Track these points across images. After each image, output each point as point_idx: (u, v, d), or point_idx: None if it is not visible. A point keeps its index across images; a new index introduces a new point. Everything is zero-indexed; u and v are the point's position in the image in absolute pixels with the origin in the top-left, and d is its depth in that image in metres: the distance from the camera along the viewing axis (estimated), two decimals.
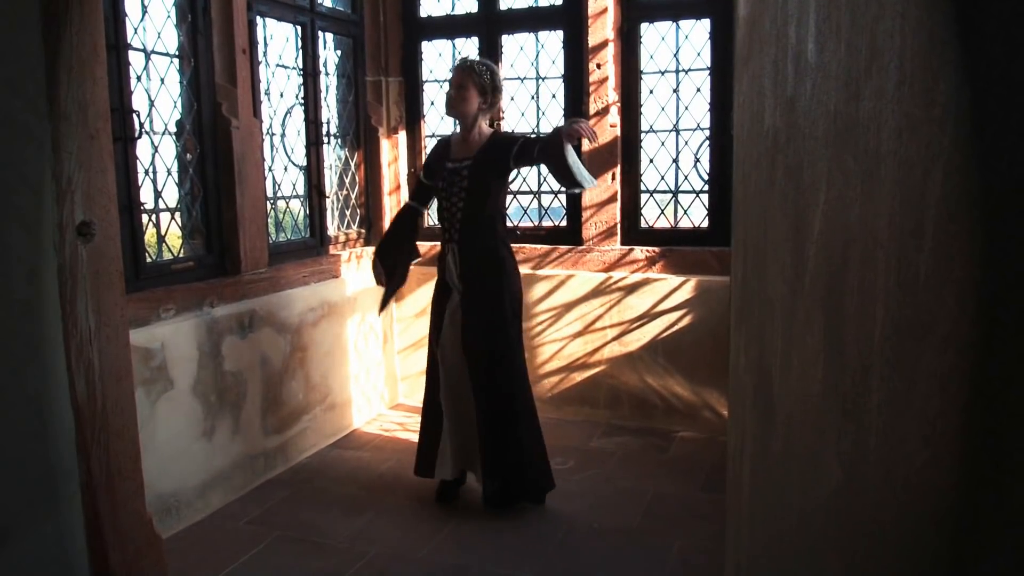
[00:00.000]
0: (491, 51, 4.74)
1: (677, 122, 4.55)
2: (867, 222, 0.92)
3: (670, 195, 4.63)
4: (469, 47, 4.94)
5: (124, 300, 2.60)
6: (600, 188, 4.61)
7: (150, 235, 3.52)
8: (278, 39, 4.25)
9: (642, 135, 4.63)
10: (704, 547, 3.16)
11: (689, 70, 4.49)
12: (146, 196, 3.45)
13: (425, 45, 5.06)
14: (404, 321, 5.07)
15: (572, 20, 4.62)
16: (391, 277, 3.70)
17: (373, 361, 4.86)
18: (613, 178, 4.60)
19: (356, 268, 4.74)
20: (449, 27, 4.97)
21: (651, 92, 4.60)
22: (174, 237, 3.70)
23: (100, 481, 2.48)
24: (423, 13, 5.03)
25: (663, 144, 4.59)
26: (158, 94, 3.50)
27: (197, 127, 3.67)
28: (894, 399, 0.85)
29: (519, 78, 4.82)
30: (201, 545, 3.27)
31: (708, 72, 4.44)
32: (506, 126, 4.85)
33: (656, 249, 4.54)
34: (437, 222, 3.79)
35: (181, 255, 3.69)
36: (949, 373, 0.72)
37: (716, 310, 4.31)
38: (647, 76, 4.60)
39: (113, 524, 2.52)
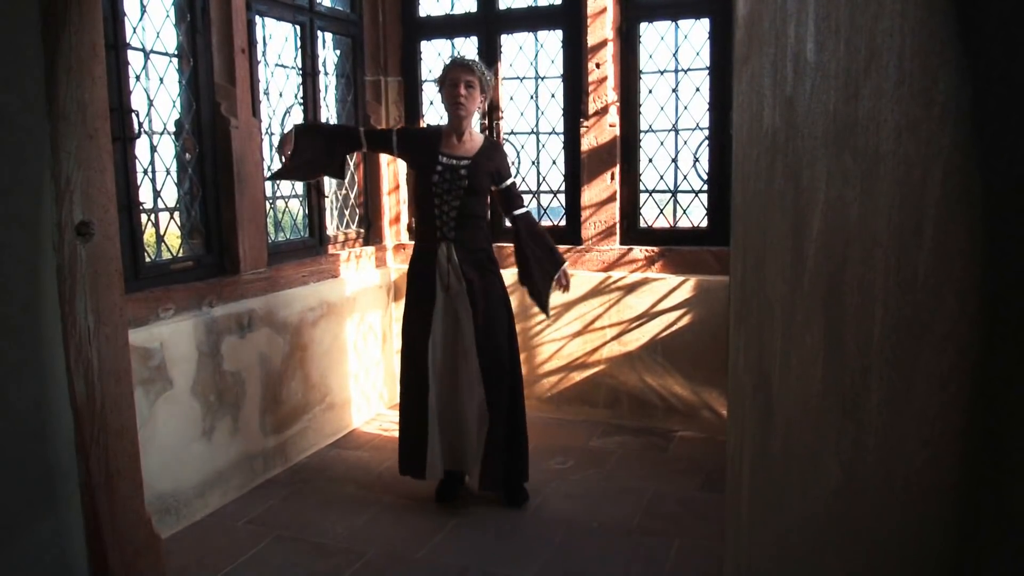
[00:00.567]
0: (490, 51, 4.74)
1: (676, 122, 4.55)
2: (866, 222, 0.92)
3: (669, 195, 4.63)
4: (468, 47, 4.94)
5: (123, 300, 2.60)
6: (599, 187, 4.61)
7: (149, 235, 3.52)
8: (277, 39, 4.25)
9: (641, 135, 4.63)
10: (703, 547, 3.16)
11: (688, 70, 4.49)
12: (145, 196, 3.45)
13: (424, 45, 5.06)
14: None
15: (571, 20, 4.62)
16: (302, 160, 3.49)
17: (372, 361, 4.86)
18: (612, 178, 4.60)
19: (355, 268, 4.74)
20: (448, 27, 4.97)
21: (650, 92, 4.60)
22: (173, 237, 3.70)
23: (99, 481, 2.48)
24: (422, 13, 5.03)
25: (662, 144, 4.59)
26: (157, 94, 3.50)
27: (196, 127, 3.67)
28: (893, 399, 0.85)
29: (518, 78, 4.82)
30: (200, 545, 3.27)
31: (707, 72, 4.44)
32: (505, 126, 4.85)
33: (655, 249, 4.54)
34: (413, 217, 3.71)
35: (180, 255, 3.69)
36: (949, 373, 0.72)
37: (715, 310, 4.32)
38: (646, 76, 4.60)
39: (112, 524, 2.52)
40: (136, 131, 3.30)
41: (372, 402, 4.87)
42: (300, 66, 4.37)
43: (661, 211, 4.68)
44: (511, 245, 3.72)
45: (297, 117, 4.37)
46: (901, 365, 0.82)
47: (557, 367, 4.74)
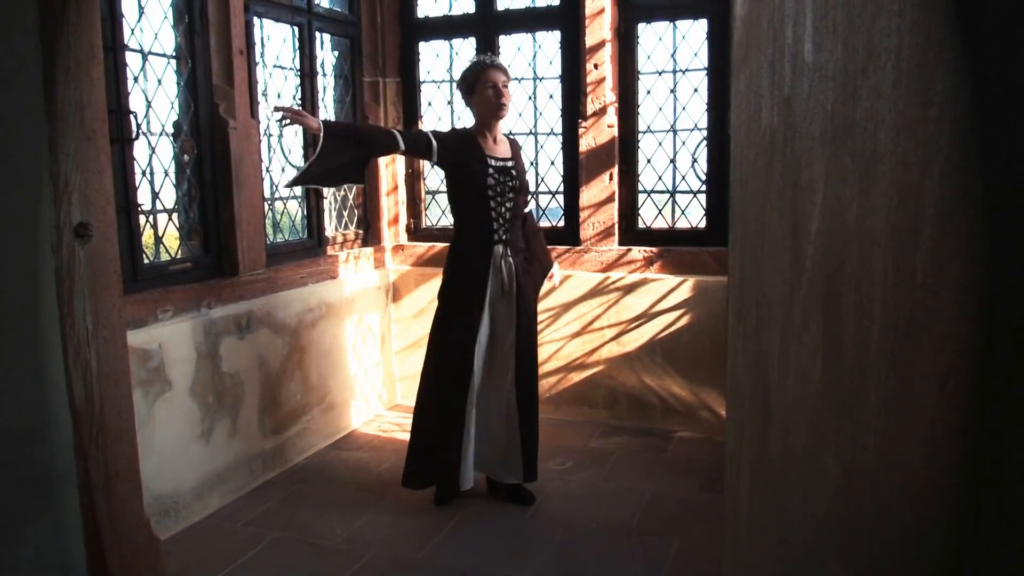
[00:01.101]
0: (488, 52, 4.73)
1: (674, 122, 4.55)
2: (864, 222, 0.92)
3: (667, 195, 4.63)
4: (466, 48, 4.94)
5: (122, 301, 2.60)
6: (598, 188, 4.61)
7: (147, 236, 3.51)
8: (275, 40, 4.25)
9: (639, 135, 4.63)
10: (702, 547, 3.16)
11: (686, 70, 4.49)
12: (143, 197, 3.45)
13: (422, 46, 5.05)
14: (402, 322, 5.07)
15: (569, 20, 4.62)
16: (321, 163, 3.26)
17: (371, 362, 4.86)
18: (611, 178, 4.60)
19: (354, 269, 4.73)
20: (446, 28, 4.97)
21: (648, 92, 4.60)
22: (172, 238, 3.69)
23: (98, 483, 2.48)
24: (420, 14, 5.03)
25: (660, 144, 4.60)
26: (155, 95, 3.50)
27: (194, 128, 3.67)
28: (892, 399, 0.85)
29: (516, 79, 4.81)
30: (199, 547, 3.27)
31: (705, 72, 4.44)
32: (504, 127, 4.83)
33: (654, 249, 4.54)
34: (459, 221, 3.55)
35: (179, 256, 3.69)
36: (947, 372, 0.72)
37: (714, 310, 4.32)
38: (644, 76, 4.60)
39: (111, 526, 2.52)
40: (134, 132, 3.30)
41: (371, 403, 4.87)
42: (298, 67, 4.37)
43: (660, 212, 4.68)
44: None
45: None
46: (900, 365, 0.82)
47: (556, 368, 4.74)
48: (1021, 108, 0.62)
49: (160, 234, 3.56)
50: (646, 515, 3.49)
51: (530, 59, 4.78)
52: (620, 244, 4.64)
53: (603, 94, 4.55)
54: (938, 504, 0.75)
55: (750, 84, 1.69)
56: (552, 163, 4.81)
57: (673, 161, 4.57)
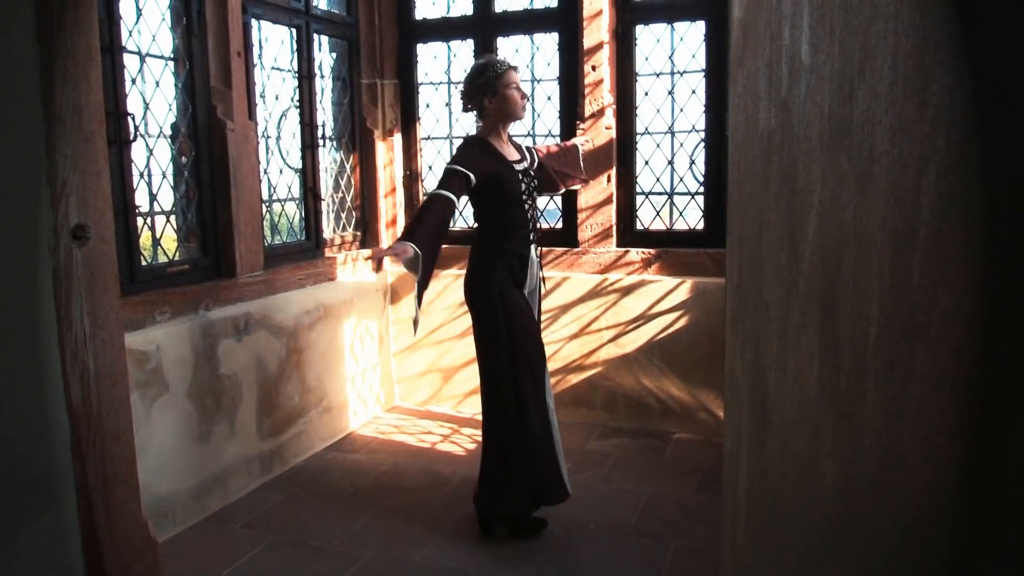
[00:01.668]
0: (486, 54, 4.74)
1: (672, 124, 4.55)
2: (861, 223, 0.92)
3: (665, 197, 4.63)
4: (464, 49, 4.95)
5: (119, 303, 2.60)
6: (596, 190, 4.61)
7: (145, 238, 3.51)
8: (273, 42, 4.25)
9: (637, 137, 4.63)
10: (700, 549, 3.16)
11: (684, 72, 4.50)
12: (141, 199, 3.45)
13: (420, 47, 5.05)
14: (400, 324, 5.07)
15: (567, 22, 4.63)
16: (428, 273, 3.23)
17: (369, 363, 4.86)
18: (609, 180, 4.61)
19: (352, 271, 4.73)
20: (444, 29, 4.97)
21: (646, 94, 4.60)
22: (169, 240, 3.69)
23: (95, 485, 2.47)
24: (418, 15, 5.03)
25: (658, 146, 4.60)
26: (153, 97, 3.49)
27: (192, 130, 3.67)
28: (889, 400, 0.85)
29: None
30: (197, 549, 3.27)
31: (703, 74, 4.44)
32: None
33: (652, 251, 4.55)
34: (492, 228, 3.41)
35: (176, 258, 3.68)
36: (944, 373, 0.73)
37: (712, 312, 4.32)
38: (642, 78, 4.60)
39: (109, 528, 2.52)
40: (132, 134, 3.30)
41: (369, 405, 4.86)
42: (296, 69, 4.37)
43: (658, 213, 4.68)
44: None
45: (293, 120, 4.36)
46: (897, 366, 0.83)
47: (554, 369, 4.73)
48: (1017, 109, 0.62)
49: (158, 236, 3.56)
50: (644, 516, 3.49)
51: (528, 61, 4.78)
52: (618, 246, 4.64)
53: (601, 96, 4.55)
54: (936, 505, 0.75)
55: (747, 86, 1.69)
56: None
57: (671, 162, 4.58)
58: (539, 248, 3.51)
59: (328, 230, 4.71)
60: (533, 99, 4.77)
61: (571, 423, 4.63)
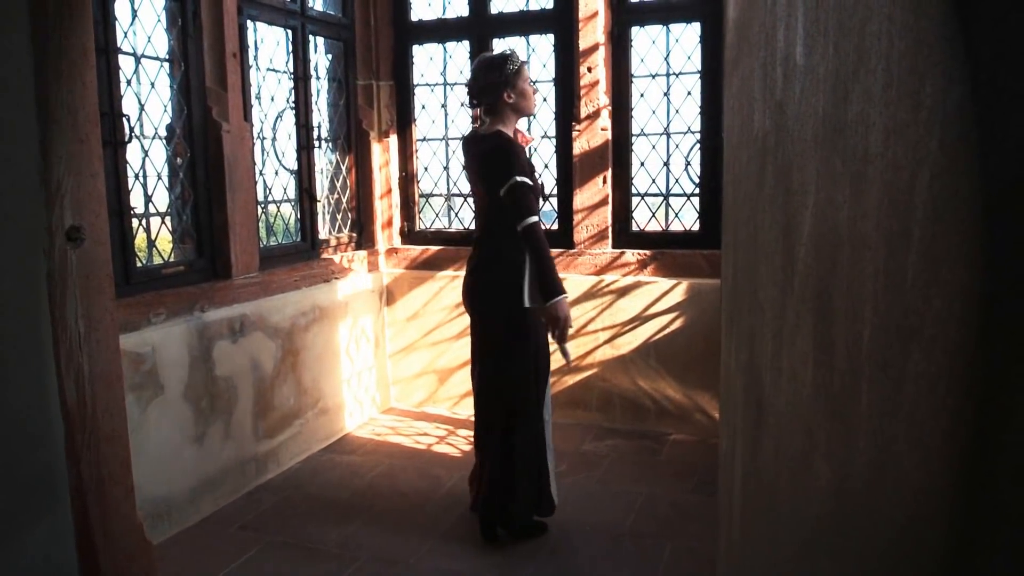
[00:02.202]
0: (482, 53, 4.73)
1: (668, 125, 4.56)
2: (855, 224, 0.92)
3: (661, 198, 4.64)
4: (460, 51, 4.95)
5: (114, 305, 2.59)
6: (592, 191, 4.62)
7: (140, 239, 3.51)
8: (269, 43, 4.25)
9: (633, 138, 4.64)
10: (696, 549, 3.16)
11: (680, 73, 4.50)
12: (136, 200, 3.44)
13: (416, 49, 5.05)
14: (396, 325, 5.06)
15: (563, 24, 4.63)
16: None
17: (365, 365, 4.85)
18: (604, 181, 4.61)
19: (348, 272, 4.73)
20: (440, 31, 4.97)
21: (642, 95, 4.61)
22: (164, 241, 3.68)
23: (90, 486, 2.47)
24: (414, 17, 5.03)
25: (654, 147, 4.60)
26: (148, 98, 3.49)
27: (187, 131, 3.66)
28: (883, 401, 0.85)
29: None
30: (192, 551, 3.26)
31: (698, 75, 4.45)
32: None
33: (647, 252, 4.55)
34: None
35: (171, 259, 3.68)
36: (937, 375, 0.73)
37: (707, 313, 4.32)
38: (638, 79, 4.61)
39: (103, 530, 2.51)
40: (127, 135, 3.29)
41: (365, 407, 4.86)
42: (292, 70, 4.37)
43: (653, 215, 4.69)
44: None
45: (288, 121, 4.36)
46: (891, 367, 0.83)
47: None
48: (1010, 111, 0.62)
49: (153, 237, 3.55)
50: (640, 518, 3.49)
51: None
52: (614, 247, 4.65)
53: (596, 97, 4.56)
54: (930, 506, 0.75)
55: (742, 87, 1.69)
56: (546, 166, 4.81)
57: (667, 164, 4.58)
58: None
59: (324, 231, 4.70)
60: None
61: (567, 424, 4.63)
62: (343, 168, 4.90)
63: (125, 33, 3.35)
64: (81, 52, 2.41)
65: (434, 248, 4.96)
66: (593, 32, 4.52)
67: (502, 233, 3.17)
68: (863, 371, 0.90)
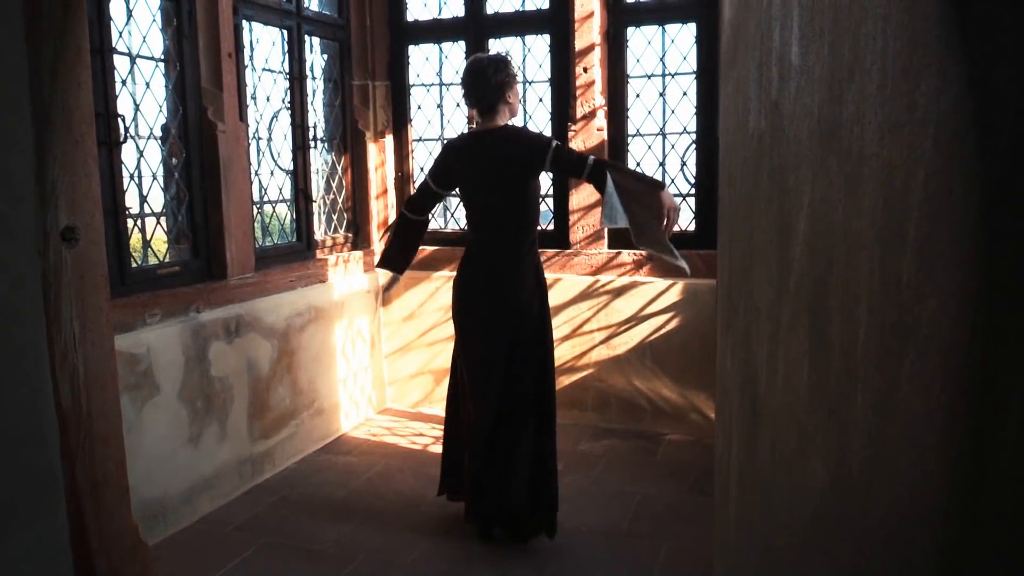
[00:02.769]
0: (477, 54, 4.73)
1: (664, 125, 4.56)
2: (851, 224, 0.92)
3: None
4: (456, 51, 4.95)
5: (109, 305, 2.58)
6: (588, 191, 4.61)
7: (135, 240, 3.50)
8: (264, 43, 4.24)
9: (629, 139, 4.64)
10: (692, 550, 3.17)
11: (675, 74, 4.51)
12: (131, 201, 3.44)
13: (412, 49, 5.05)
14: (392, 326, 5.06)
15: (559, 24, 4.63)
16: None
17: (361, 365, 4.85)
18: None
19: (343, 272, 4.72)
20: (436, 31, 4.97)
21: (638, 96, 4.61)
22: (160, 242, 3.68)
23: (85, 488, 2.46)
24: (410, 17, 5.03)
25: (650, 148, 4.61)
26: (143, 98, 3.48)
27: (183, 131, 3.66)
28: (879, 401, 0.85)
29: None
30: (188, 552, 3.25)
31: (694, 75, 4.46)
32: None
33: (643, 252, 4.55)
34: (535, 228, 3.36)
35: (167, 260, 3.67)
36: (932, 374, 0.73)
37: (703, 313, 4.33)
38: (634, 80, 4.61)
39: (98, 531, 2.50)
40: (122, 136, 3.29)
41: (361, 407, 4.85)
42: (287, 70, 4.36)
43: None
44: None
45: (284, 121, 4.36)
46: (886, 367, 0.83)
47: None
48: (1005, 111, 0.62)
49: (148, 238, 3.54)
50: (636, 518, 3.49)
51: (519, 63, 4.78)
52: (610, 247, 4.65)
53: (592, 98, 4.56)
54: (925, 506, 0.76)
55: (738, 87, 1.69)
56: None
57: (662, 164, 4.59)
58: None
59: (319, 232, 4.70)
60: (525, 101, 4.77)
61: (563, 425, 4.60)
62: (339, 168, 4.89)
63: (120, 33, 3.35)
64: (76, 52, 2.40)
65: (430, 248, 4.96)
66: (589, 32, 4.52)
67: (524, 231, 3.24)
68: (858, 370, 0.90)
